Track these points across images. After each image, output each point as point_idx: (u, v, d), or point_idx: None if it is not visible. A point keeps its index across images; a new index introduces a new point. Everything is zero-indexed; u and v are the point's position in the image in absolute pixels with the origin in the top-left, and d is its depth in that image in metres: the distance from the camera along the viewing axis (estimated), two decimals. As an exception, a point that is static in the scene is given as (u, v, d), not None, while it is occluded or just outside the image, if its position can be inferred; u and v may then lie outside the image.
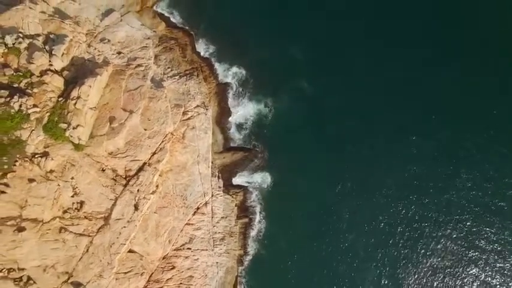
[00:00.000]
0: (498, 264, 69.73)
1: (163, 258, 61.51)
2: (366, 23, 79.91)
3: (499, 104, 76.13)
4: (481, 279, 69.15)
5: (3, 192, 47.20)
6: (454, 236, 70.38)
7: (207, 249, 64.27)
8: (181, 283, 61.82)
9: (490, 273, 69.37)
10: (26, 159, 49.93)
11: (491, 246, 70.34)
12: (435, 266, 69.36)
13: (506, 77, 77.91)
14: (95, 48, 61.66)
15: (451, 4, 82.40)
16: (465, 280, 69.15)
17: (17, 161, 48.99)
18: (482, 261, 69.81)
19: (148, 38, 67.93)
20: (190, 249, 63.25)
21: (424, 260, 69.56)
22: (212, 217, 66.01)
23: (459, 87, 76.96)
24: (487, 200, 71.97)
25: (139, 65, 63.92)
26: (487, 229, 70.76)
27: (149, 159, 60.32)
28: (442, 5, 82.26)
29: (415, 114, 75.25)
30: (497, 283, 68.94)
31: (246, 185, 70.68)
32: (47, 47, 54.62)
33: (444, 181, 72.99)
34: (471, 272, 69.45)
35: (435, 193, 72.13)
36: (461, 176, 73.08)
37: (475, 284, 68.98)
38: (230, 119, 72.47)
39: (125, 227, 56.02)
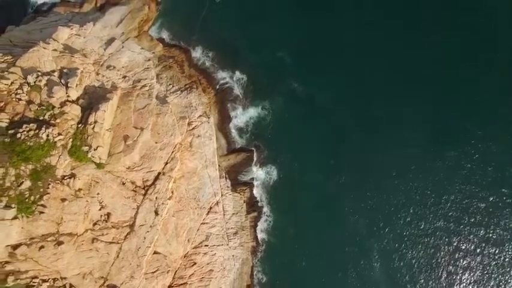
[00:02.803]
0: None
1: (185, 256, 66.06)
2: (347, 22, 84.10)
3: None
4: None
5: (42, 212, 51.53)
6: (455, 215, 74.74)
7: (222, 244, 68.80)
8: (202, 277, 66.40)
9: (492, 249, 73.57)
10: (57, 181, 54.18)
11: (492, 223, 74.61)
12: (436, 244, 73.66)
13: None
14: (103, 76, 65.83)
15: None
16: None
17: (50, 184, 53.16)
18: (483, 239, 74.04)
19: (149, 60, 71.99)
20: (207, 245, 67.77)
21: (426, 240, 73.73)
22: (224, 214, 70.57)
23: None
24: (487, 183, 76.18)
25: (144, 86, 68.13)
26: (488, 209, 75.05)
27: (163, 168, 64.63)
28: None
29: (403, 103, 79.27)
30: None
31: (251, 182, 75.15)
32: (62, 81, 59.08)
33: (437, 162, 77.42)
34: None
35: (433, 176, 76.38)
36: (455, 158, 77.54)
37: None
38: (231, 124, 76.82)
39: (148, 231, 60.57)
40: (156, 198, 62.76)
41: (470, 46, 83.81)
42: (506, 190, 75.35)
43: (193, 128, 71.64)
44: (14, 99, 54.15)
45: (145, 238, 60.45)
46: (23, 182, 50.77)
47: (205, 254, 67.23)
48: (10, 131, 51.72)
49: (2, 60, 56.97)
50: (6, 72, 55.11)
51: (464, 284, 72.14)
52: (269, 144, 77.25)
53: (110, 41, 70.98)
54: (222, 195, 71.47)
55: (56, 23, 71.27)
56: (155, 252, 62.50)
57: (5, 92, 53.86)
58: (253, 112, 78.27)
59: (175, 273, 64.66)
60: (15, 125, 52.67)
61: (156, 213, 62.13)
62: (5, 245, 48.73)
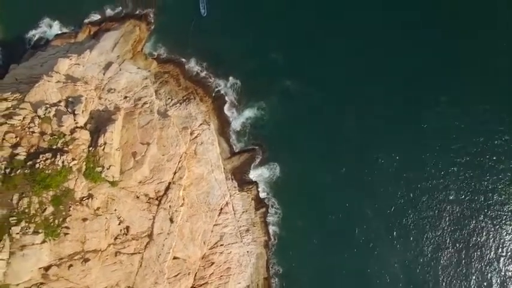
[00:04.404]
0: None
1: (202, 257, 69.74)
2: (333, 21, 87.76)
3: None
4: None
5: (66, 233, 54.91)
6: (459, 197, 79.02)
7: (236, 242, 72.33)
8: (221, 275, 70.12)
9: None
10: (77, 203, 57.38)
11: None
12: (432, 219, 78.12)
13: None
14: (105, 99, 68.83)
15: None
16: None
17: (70, 206, 56.37)
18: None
19: (146, 78, 74.86)
20: (222, 245, 71.38)
21: (424, 214, 78.06)
22: (234, 214, 73.96)
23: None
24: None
25: (144, 103, 71.08)
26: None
27: (172, 178, 67.82)
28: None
29: (393, 93, 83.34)
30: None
31: (256, 179, 78.39)
32: (69, 109, 62.18)
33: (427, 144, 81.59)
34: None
35: (425, 161, 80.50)
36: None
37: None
38: (230, 127, 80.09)
39: (166, 238, 63.94)
40: (169, 206, 65.98)
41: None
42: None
43: (195, 137, 74.67)
44: (27, 133, 57.64)
45: (164, 245, 63.74)
46: (46, 208, 54.28)
47: (221, 253, 70.64)
48: (29, 163, 55.11)
49: (12, 98, 60.34)
50: (17, 109, 58.62)
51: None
52: (269, 142, 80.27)
53: (108, 65, 73.58)
54: (230, 196, 74.61)
55: (54, 55, 74.54)
56: (175, 257, 65.81)
57: (19, 127, 57.40)
58: (250, 113, 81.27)
59: (195, 275, 68.28)
60: (32, 156, 56.06)
61: (171, 220, 65.50)
62: (38, 268, 52.29)
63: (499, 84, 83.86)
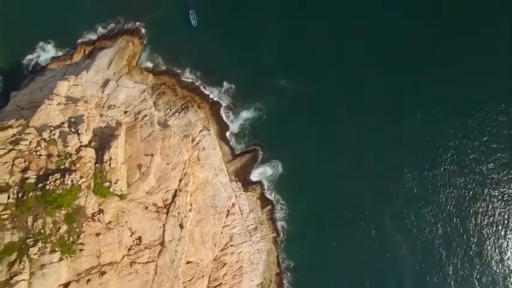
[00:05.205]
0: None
1: (215, 259, 71.53)
2: (319, 21, 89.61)
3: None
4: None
5: (81, 249, 56.68)
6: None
7: (246, 241, 74.23)
8: (235, 275, 71.98)
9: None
10: (89, 219, 59.10)
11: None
12: (438, 206, 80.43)
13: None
14: (106, 116, 70.35)
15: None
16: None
17: (83, 223, 58.16)
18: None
19: (144, 91, 76.44)
20: (233, 245, 73.24)
21: (430, 200, 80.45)
22: (242, 214, 75.76)
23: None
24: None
25: (144, 116, 72.59)
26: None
27: (178, 185, 69.39)
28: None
29: (382, 84, 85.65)
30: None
31: (260, 178, 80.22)
32: (72, 129, 63.79)
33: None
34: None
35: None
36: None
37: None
38: (229, 130, 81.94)
39: (177, 244, 65.59)
40: (178, 213, 67.73)
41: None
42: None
43: (197, 143, 76.34)
44: (35, 156, 59.26)
45: (176, 251, 65.47)
46: (60, 226, 56.17)
47: (232, 253, 72.52)
48: (39, 185, 56.80)
49: (17, 124, 61.98)
50: (23, 135, 60.33)
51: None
52: (269, 141, 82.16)
53: (105, 83, 75.40)
54: (236, 197, 76.51)
55: (53, 78, 76.24)
56: (188, 262, 67.56)
57: (27, 152, 59.09)
58: (248, 115, 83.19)
59: (209, 277, 70.05)
60: (42, 178, 57.75)
61: (181, 226, 67.23)
62: (58, 285, 54.19)
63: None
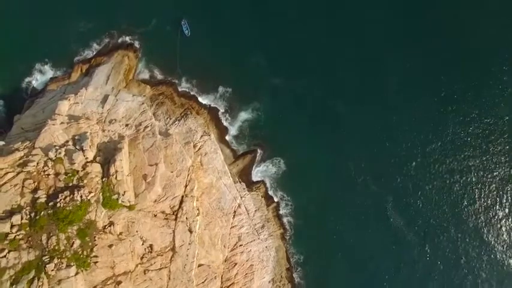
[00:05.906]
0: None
1: (225, 260, 73.44)
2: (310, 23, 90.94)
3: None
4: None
5: (96, 262, 58.37)
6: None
7: (254, 240, 76.03)
8: (246, 274, 74.07)
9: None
10: (101, 232, 60.73)
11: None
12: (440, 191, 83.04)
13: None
14: (109, 130, 71.56)
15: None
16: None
17: (95, 236, 59.82)
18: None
19: (143, 103, 77.51)
20: (242, 245, 75.16)
21: (431, 185, 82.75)
22: (248, 214, 77.57)
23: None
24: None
25: (145, 127, 73.83)
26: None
27: (184, 192, 70.76)
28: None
29: (374, 77, 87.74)
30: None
31: (263, 177, 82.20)
32: (77, 147, 65.19)
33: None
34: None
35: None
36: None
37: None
38: (229, 133, 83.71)
39: (188, 249, 67.16)
40: (186, 218, 69.34)
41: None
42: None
43: (199, 149, 77.82)
44: (44, 176, 60.77)
45: (187, 255, 67.15)
46: (73, 242, 57.73)
47: (242, 253, 74.46)
48: (50, 204, 58.38)
49: (23, 147, 63.53)
50: (30, 156, 61.92)
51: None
52: (269, 140, 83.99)
53: (105, 98, 76.03)
54: (241, 198, 78.35)
55: (53, 99, 77.59)
56: (199, 265, 69.28)
57: (35, 173, 60.61)
58: (246, 116, 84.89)
59: (221, 277, 71.96)
60: (52, 197, 59.27)
61: (190, 231, 68.86)
62: (76, 298, 56.02)
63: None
